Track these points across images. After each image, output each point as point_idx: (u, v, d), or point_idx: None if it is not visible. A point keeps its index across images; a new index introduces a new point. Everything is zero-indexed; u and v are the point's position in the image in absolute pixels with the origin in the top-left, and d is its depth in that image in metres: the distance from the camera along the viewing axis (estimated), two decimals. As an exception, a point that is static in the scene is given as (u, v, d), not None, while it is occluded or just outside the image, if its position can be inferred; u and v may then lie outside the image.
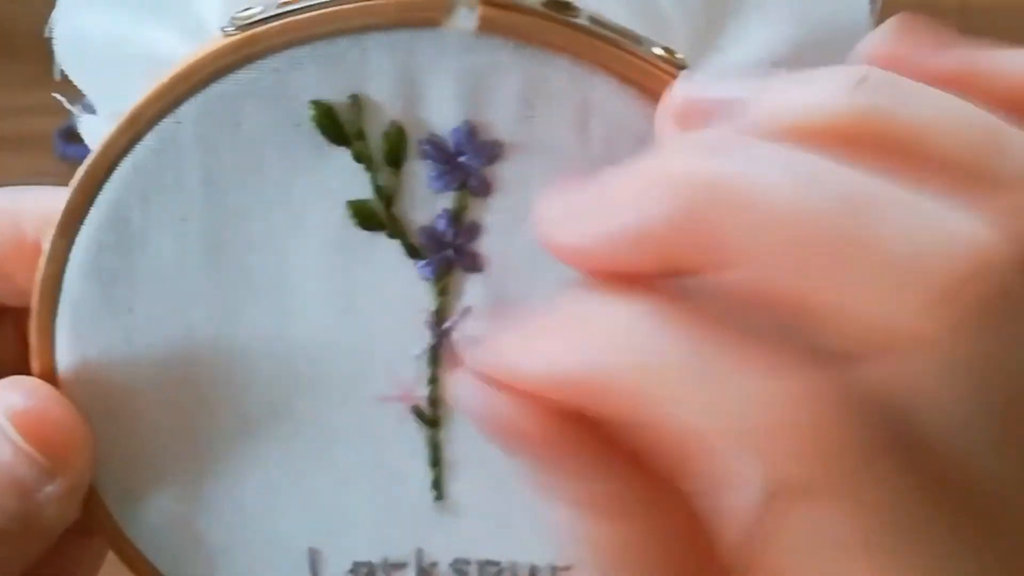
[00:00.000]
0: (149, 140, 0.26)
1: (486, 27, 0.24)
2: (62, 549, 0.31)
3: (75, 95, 0.30)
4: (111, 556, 0.30)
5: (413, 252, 0.26)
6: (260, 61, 0.25)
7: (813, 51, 0.27)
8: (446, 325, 0.27)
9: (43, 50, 0.29)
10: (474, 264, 0.26)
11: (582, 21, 0.25)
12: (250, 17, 0.25)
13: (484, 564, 0.29)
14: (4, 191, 0.29)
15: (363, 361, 0.27)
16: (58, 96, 0.28)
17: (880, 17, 0.28)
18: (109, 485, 0.28)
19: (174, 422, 0.28)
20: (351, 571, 0.29)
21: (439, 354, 0.27)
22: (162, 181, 0.26)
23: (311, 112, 0.25)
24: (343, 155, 0.26)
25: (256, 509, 0.29)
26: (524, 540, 0.29)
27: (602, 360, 0.20)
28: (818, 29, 0.27)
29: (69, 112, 0.29)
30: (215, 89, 0.25)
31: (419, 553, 0.29)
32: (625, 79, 0.25)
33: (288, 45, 0.25)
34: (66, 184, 0.27)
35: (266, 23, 0.25)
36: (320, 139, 0.26)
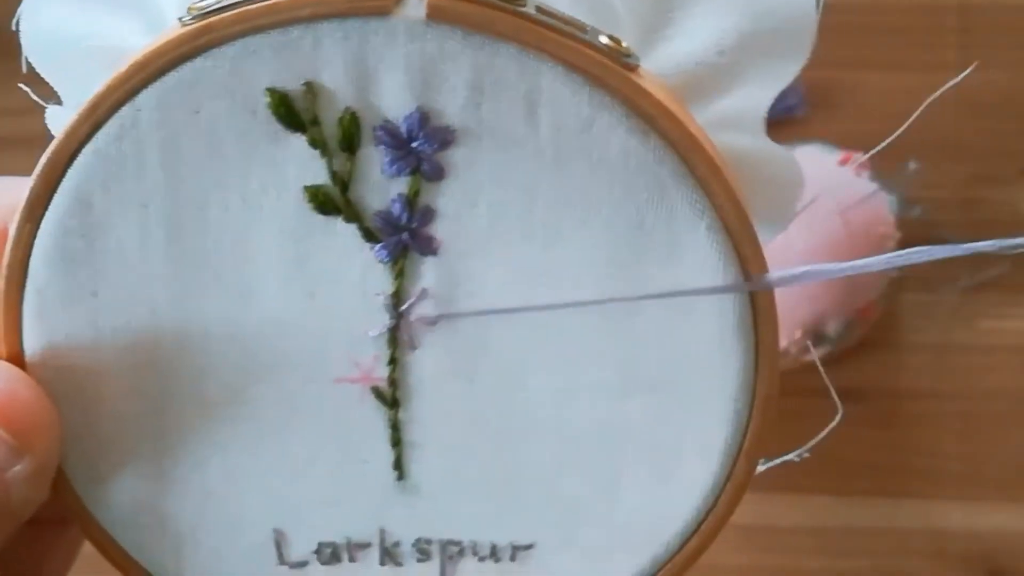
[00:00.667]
0: (109, 127, 0.26)
1: (435, 15, 0.25)
2: (36, 539, 0.32)
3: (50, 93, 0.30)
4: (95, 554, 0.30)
5: (369, 236, 0.27)
6: (216, 49, 0.25)
7: (759, 42, 0.28)
8: (404, 307, 0.27)
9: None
10: (429, 247, 0.27)
11: (529, 10, 0.25)
12: (206, 7, 0.25)
13: (446, 543, 0.30)
14: None
15: (322, 343, 0.28)
16: (24, 87, 0.29)
17: (849, 19, 0.28)
18: (76, 468, 0.29)
19: (138, 405, 0.28)
20: (315, 552, 0.30)
21: (397, 336, 0.28)
22: (122, 167, 0.26)
23: (267, 99, 0.26)
24: (299, 141, 0.26)
25: (220, 491, 0.29)
26: (485, 518, 0.29)
27: None
28: (765, 19, 0.28)
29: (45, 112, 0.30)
30: (173, 77, 0.26)
31: (382, 532, 0.30)
32: (572, 66, 0.25)
33: (243, 34, 0.25)
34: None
35: (221, 12, 0.25)
36: (276, 126, 0.26)
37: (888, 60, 0.63)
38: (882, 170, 0.61)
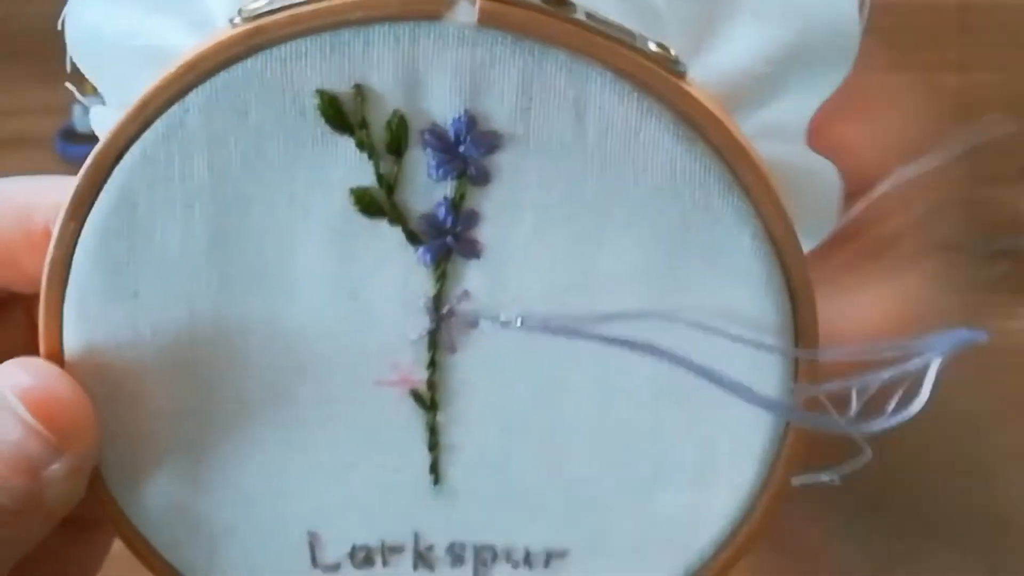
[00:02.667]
0: (157, 127, 0.26)
1: (485, 20, 0.25)
2: (65, 543, 0.32)
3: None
4: (124, 554, 0.30)
5: (413, 238, 0.27)
6: (266, 51, 0.26)
7: (803, 52, 0.28)
8: (444, 310, 0.28)
9: (43, 50, 0.29)
10: (472, 250, 0.27)
11: (579, 16, 0.25)
12: (257, 9, 0.25)
13: (480, 548, 0.30)
14: (15, 180, 0.30)
15: (363, 345, 0.28)
16: (70, 86, 0.29)
17: (868, 22, 0.28)
18: (112, 468, 0.29)
19: (176, 406, 0.28)
20: (349, 554, 0.30)
21: (437, 338, 0.28)
22: (169, 168, 0.26)
23: (316, 101, 0.26)
24: (347, 143, 0.26)
25: (256, 493, 0.29)
26: (519, 524, 0.29)
27: None
28: (808, 32, 0.28)
29: (70, 111, 0.30)
30: (222, 78, 0.26)
31: (416, 536, 0.30)
32: (621, 73, 0.26)
33: (294, 36, 0.25)
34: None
35: (273, 14, 0.25)
36: (324, 128, 0.26)
37: (888, 60, 0.64)
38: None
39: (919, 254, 0.32)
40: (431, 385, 0.28)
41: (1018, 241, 0.63)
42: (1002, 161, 0.65)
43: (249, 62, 0.26)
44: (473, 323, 0.27)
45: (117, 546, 0.31)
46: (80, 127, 0.65)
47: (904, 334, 0.30)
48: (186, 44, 0.28)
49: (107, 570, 0.35)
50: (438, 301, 0.27)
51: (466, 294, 0.27)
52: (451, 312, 0.27)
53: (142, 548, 0.30)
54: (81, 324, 0.28)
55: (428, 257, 0.27)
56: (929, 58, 0.63)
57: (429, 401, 0.28)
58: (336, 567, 0.30)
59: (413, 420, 0.28)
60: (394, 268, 0.27)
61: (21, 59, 0.29)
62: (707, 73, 0.28)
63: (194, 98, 0.26)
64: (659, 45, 0.26)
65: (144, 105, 0.26)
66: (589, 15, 0.25)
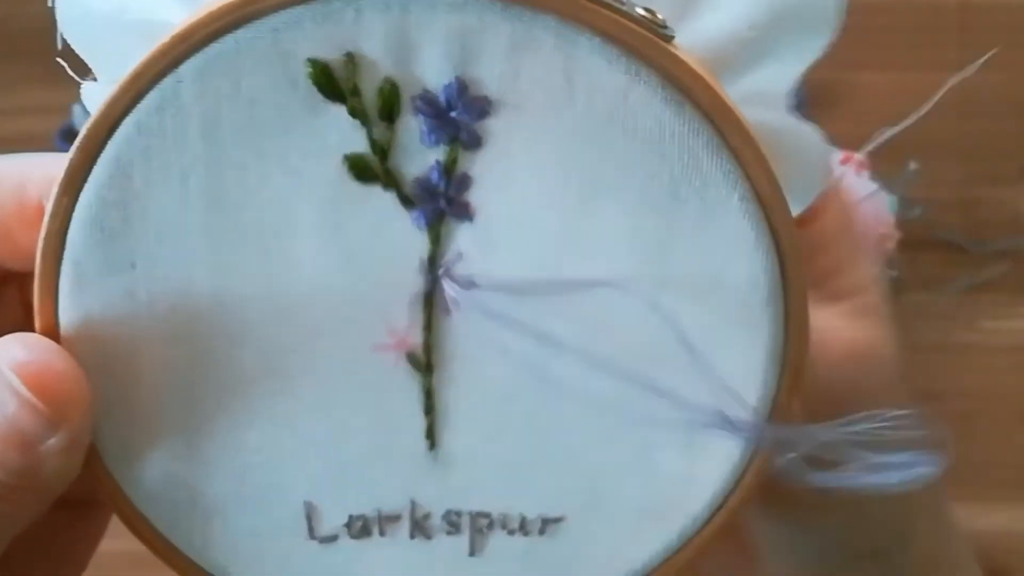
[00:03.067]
0: (151, 99, 0.26)
1: None
2: (60, 525, 0.32)
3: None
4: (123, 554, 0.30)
5: (407, 202, 0.27)
6: (258, 21, 0.26)
7: (788, 16, 0.28)
8: (439, 271, 0.28)
9: (43, 50, 0.30)
10: (465, 213, 0.27)
11: None
12: None
13: (475, 515, 0.30)
14: (8, 157, 0.30)
15: (359, 310, 0.28)
16: (61, 61, 0.29)
17: (849, 20, 0.29)
18: (108, 443, 0.29)
19: (173, 378, 0.28)
20: (346, 524, 0.30)
21: (433, 299, 0.28)
22: (163, 139, 0.27)
23: (308, 70, 0.26)
24: (339, 111, 0.27)
25: (253, 465, 0.29)
26: (515, 490, 0.29)
27: None
28: None
29: (70, 111, 0.30)
30: (215, 48, 0.26)
31: (413, 504, 0.30)
32: (608, 37, 0.26)
33: (285, 5, 0.26)
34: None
35: None
36: (317, 96, 0.26)
37: (888, 60, 0.64)
38: (882, 170, 0.62)
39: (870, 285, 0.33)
40: (427, 348, 0.28)
41: (1018, 241, 0.63)
42: (1002, 161, 0.66)
43: (241, 32, 0.26)
44: (468, 284, 0.28)
45: (117, 545, 0.31)
46: (80, 127, 0.65)
47: (864, 372, 0.31)
48: (177, 18, 0.28)
49: (107, 570, 0.35)
50: (432, 262, 0.28)
51: (460, 255, 0.28)
52: (446, 271, 0.28)
53: (139, 524, 0.30)
54: (77, 297, 0.28)
55: (422, 220, 0.27)
56: (929, 58, 0.63)
57: (425, 364, 0.28)
58: (333, 538, 0.30)
59: (409, 384, 0.29)
60: (389, 232, 0.27)
61: (21, 59, 0.29)
62: (693, 38, 0.28)
63: (187, 69, 0.26)
64: (647, 10, 0.26)
65: (137, 77, 0.26)
66: None
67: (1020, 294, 0.63)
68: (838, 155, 0.61)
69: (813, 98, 0.63)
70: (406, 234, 0.27)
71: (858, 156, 0.60)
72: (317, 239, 0.27)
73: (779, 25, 0.28)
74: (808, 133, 0.30)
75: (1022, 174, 0.66)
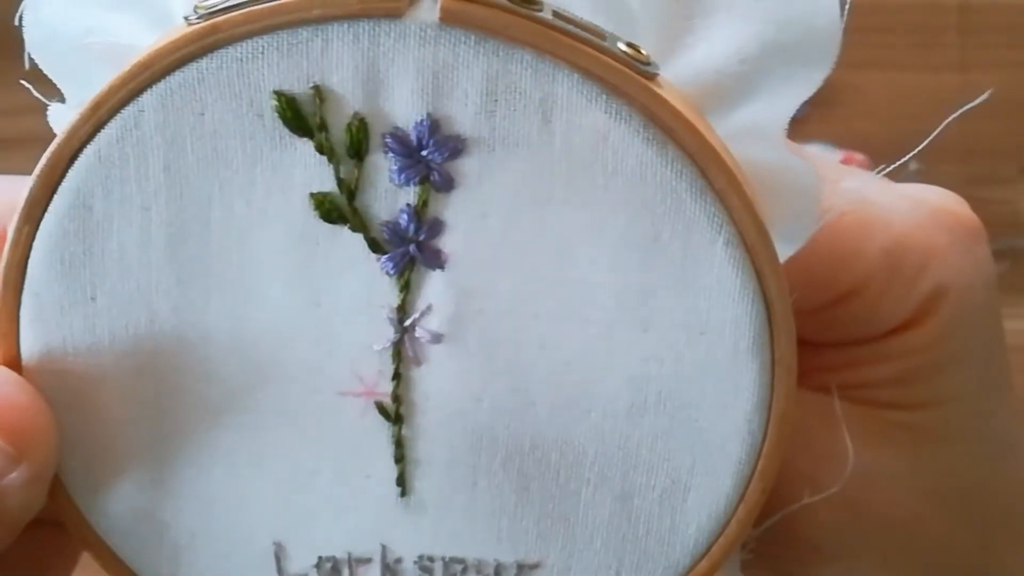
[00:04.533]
0: (111, 128, 0.26)
1: (448, 19, 0.24)
2: (39, 541, 0.31)
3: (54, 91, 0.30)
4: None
5: (375, 247, 0.26)
6: (222, 50, 0.25)
7: (781, 50, 0.27)
8: (408, 322, 0.27)
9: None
10: (436, 260, 0.26)
11: (545, 15, 0.24)
12: (213, 6, 0.25)
13: (449, 561, 0.29)
14: None
15: (326, 355, 0.27)
16: (25, 84, 0.28)
17: (849, 20, 0.28)
18: (73, 475, 0.28)
19: (137, 412, 0.28)
20: (315, 566, 0.29)
21: (402, 351, 0.27)
22: (124, 169, 0.26)
23: (273, 102, 0.25)
24: (306, 146, 0.26)
25: (220, 501, 0.28)
26: (489, 537, 0.29)
27: None
28: (787, 28, 0.27)
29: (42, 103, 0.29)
30: (177, 77, 0.25)
31: (384, 549, 0.29)
32: (588, 74, 0.25)
33: (250, 34, 0.25)
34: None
35: (228, 12, 0.25)
36: (283, 130, 0.25)
37: (888, 60, 0.63)
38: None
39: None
40: (396, 398, 0.27)
41: (1018, 241, 0.62)
42: (1002, 161, 0.65)
43: (204, 61, 0.25)
44: (437, 338, 0.27)
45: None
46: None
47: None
48: (146, 41, 0.27)
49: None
50: (402, 313, 0.27)
51: (429, 308, 0.27)
52: (415, 325, 0.27)
53: (105, 556, 0.29)
54: (38, 329, 0.27)
55: (391, 267, 0.26)
56: (929, 58, 0.62)
57: (394, 414, 0.27)
58: None
59: (379, 432, 0.28)
60: (357, 276, 0.26)
61: (16, 59, 0.28)
62: (682, 72, 0.27)
63: (149, 98, 0.25)
64: (630, 45, 0.25)
65: (97, 105, 0.25)
66: (556, 14, 0.25)
67: (1020, 294, 0.62)
68: (837, 156, 0.59)
69: (813, 98, 0.62)
70: (375, 280, 0.26)
71: (859, 156, 0.59)
72: (282, 278, 0.26)
73: (771, 58, 0.27)
74: (803, 169, 0.28)
75: (1022, 174, 0.65)
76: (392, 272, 0.26)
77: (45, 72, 0.28)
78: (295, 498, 0.28)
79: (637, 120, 0.25)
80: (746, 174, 0.27)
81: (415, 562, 0.29)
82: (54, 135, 0.26)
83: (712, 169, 0.25)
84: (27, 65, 0.28)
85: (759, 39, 0.27)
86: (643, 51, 0.25)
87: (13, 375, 0.27)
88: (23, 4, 0.28)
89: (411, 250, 0.26)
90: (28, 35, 0.28)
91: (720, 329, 0.26)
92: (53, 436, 0.27)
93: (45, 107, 0.29)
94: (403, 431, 0.28)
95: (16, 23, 0.28)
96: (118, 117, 0.25)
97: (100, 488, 0.28)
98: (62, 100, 0.29)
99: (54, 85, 0.29)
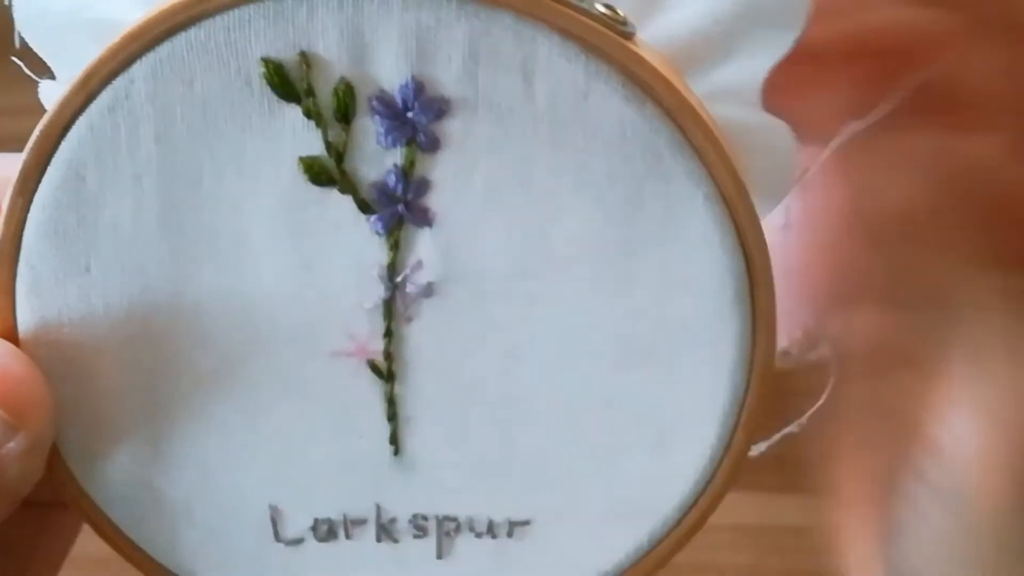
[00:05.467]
0: (103, 99, 0.26)
1: None
2: (35, 522, 0.32)
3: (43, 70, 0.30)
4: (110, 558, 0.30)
5: (364, 207, 0.27)
6: (210, 19, 0.25)
7: (754, 10, 0.28)
8: (398, 279, 0.27)
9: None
10: (424, 218, 0.27)
11: None
12: None
13: (442, 519, 0.29)
14: None
15: (318, 316, 0.28)
16: (17, 61, 0.29)
17: None
18: (71, 445, 0.29)
19: (133, 381, 0.28)
20: (311, 528, 0.30)
21: (393, 308, 0.28)
22: (116, 140, 0.26)
23: (261, 70, 0.26)
24: (294, 112, 0.26)
25: (216, 467, 0.29)
26: (482, 494, 0.29)
27: None
28: None
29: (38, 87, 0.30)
30: (167, 48, 0.26)
31: (378, 508, 0.29)
32: (568, 35, 0.25)
33: (237, 3, 0.25)
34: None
35: None
36: (271, 96, 0.26)
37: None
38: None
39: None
40: (388, 356, 0.28)
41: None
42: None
43: (192, 31, 0.25)
44: (427, 292, 0.27)
45: (104, 550, 0.31)
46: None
47: None
48: (135, 17, 0.27)
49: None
50: (392, 270, 0.27)
51: (419, 264, 0.27)
52: (405, 281, 0.27)
53: (104, 526, 0.29)
54: (33, 300, 0.27)
55: (380, 226, 0.27)
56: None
57: (386, 372, 0.28)
58: (299, 541, 0.30)
59: (371, 391, 0.28)
60: (347, 237, 0.27)
61: (21, 57, 0.29)
62: (658, 34, 0.27)
63: (139, 69, 0.26)
64: (607, 7, 0.26)
65: (88, 77, 0.26)
66: None
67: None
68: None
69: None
70: (364, 240, 0.27)
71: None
72: (273, 242, 0.27)
73: (745, 19, 0.28)
74: (778, 128, 0.29)
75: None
76: (382, 231, 0.27)
77: (34, 49, 0.29)
78: (290, 462, 0.29)
79: (616, 79, 0.26)
80: (724, 133, 0.27)
81: (409, 521, 0.29)
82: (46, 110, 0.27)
83: (690, 125, 0.26)
84: (17, 43, 0.29)
85: (733, 1, 0.28)
86: (620, 12, 0.26)
87: (10, 346, 0.28)
88: None
89: (400, 209, 0.27)
90: (18, 12, 0.29)
91: (703, 283, 0.27)
92: (50, 406, 0.28)
93: (43, 107, 0.29)
94: (395, 389, 0.28)
95: (6, 2, 0.29)
96: (109, 88, 0.26)
97: (97, 458, 0.29)
98: (52, 78, 0.29)
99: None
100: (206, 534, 0.30)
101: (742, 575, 0.58)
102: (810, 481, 0.32)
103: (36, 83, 0.29)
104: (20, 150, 0.27)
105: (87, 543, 0.32)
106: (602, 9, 0.26)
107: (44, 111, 0.28)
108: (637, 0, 0.27)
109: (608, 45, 0.25)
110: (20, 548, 0.32)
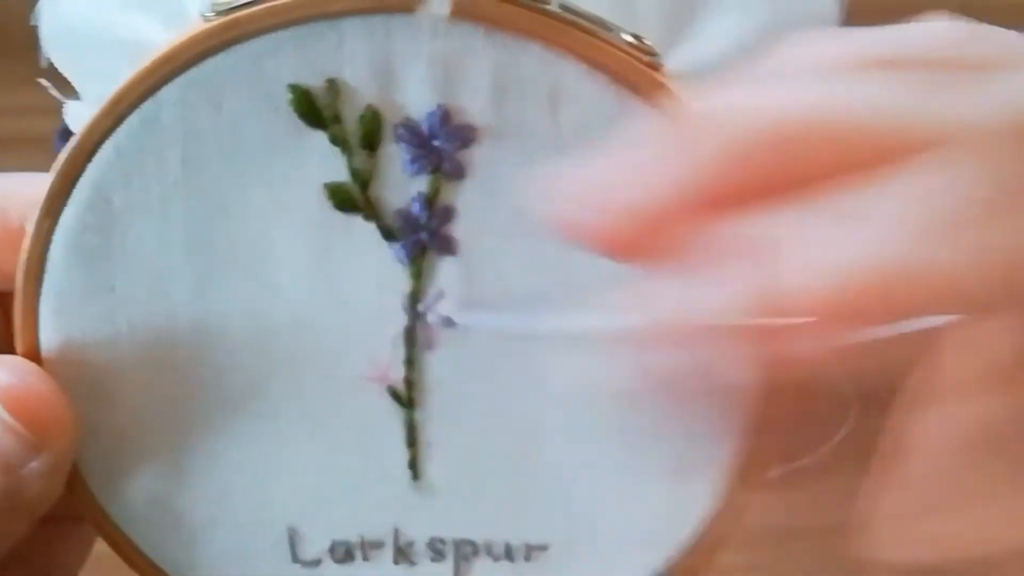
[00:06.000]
0: (131, 122, 0.26)
1: (458, 13, 0.25)
2: (49, 536, 0.32)
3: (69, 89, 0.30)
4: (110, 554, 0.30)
5: (388, 234, 0.27)
6: (240, 45, 0.26)
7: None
8: (420, 307, 0.27)
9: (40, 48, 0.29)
10: (447, 247, 0.27)
11: (552, 7, 0.25)
12: (230, 3, 0.25)
13: (460, 543, 0.30)
14: None
15: (340, 341, 0.28)
16: (43, 82, 0.29)
17: (847, 9, 0.28)
18: (91, 464, 0.29)
19: (155, 401, 0.28)
20: (329, 549, 0.30)
21: (414, 336, 0.28)
22: (143, 163, 0.26)
23: (289, 96, 0.26)
24: (320, 138, 0.26)
25: (236, 488, 0.29)
26: (499, 518, 0.29)
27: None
28: (785, 18, 0.28)
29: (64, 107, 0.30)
30: (196, 73, 0.26)
31: (396, 531, 0.30)
32: (595, 64, 0.26)
33: (267, 30, 0.25)
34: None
35: (247, 8, 0.25)
36: (298, 122, 0.26)
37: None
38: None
39: None
40: (408, 383, 0.28)
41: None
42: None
43: (222, 56, 0.26)
44: (449, 324, 0.27)
45: (101, 546, 0.31)
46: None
47: None
48: (161, 38, 0.27)
49: (94, 571, 0.35)
50: (414, 299, 0.27)
51: (441, 293, 0.27)
52: (427, 311, 0.27)
53: (123, 545, 0.30)
54: (58, 320, 0.28)
55: (403, 254, 0.27)
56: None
57: (407, 399, 0.28)
58: (316, 563, 0.30)
59: (391, 416, 0.28)
60: (370, 264, 0.27)
61: (22, 58, 0.29)
62: (685, 61, 0.28)
63: (168, 93, 0.26)
64: (634, 36, 0.26)
65: (118, 100, 0.26)
66: (563, 6, 0.25)
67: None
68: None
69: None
70: (387, 267, 0.27)
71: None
72: (298, 267, 0.27)
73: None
74: None
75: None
76: (405, 259, 0.27)
77: (60, 69, 0.29)
78: (309, 484, 0.29)
79: (643, 107, 0.26)
80: None
81: (427, 544, 0.30)
82: (51, 136, 0.27)
83: None
84: (43, 63, 0.29)
85: (759, 29, 0.28)
86: (647, 42, 0.26)
87: (33, 366, 0.28)
88: (40, 1, 0.29)
89: (423, 237, 0.27)
90: (44, 32, 0.29)
91: None
92: (73, 426, 0.28)
93: (43, 109, 0.29)
94: (415, 415, 0.28)
95: (32, 22, 0.29)
96: (138, 111, 0.26)
97: (118, 478, 0.29)
98: (76, 98, 0.29)
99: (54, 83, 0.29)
100: (224, 554, 0.30)
101: (742, 574, 0.58)
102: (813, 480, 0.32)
103: (36, 84, 0.29)
104: (20, 150, 0.27)
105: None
106: (629, 39, 0.26)
107: (44, 112, 0.28)
108: (664, 29, 0.27)
109: (636, 75, 0.26)
110: (36, 562, 0.33)
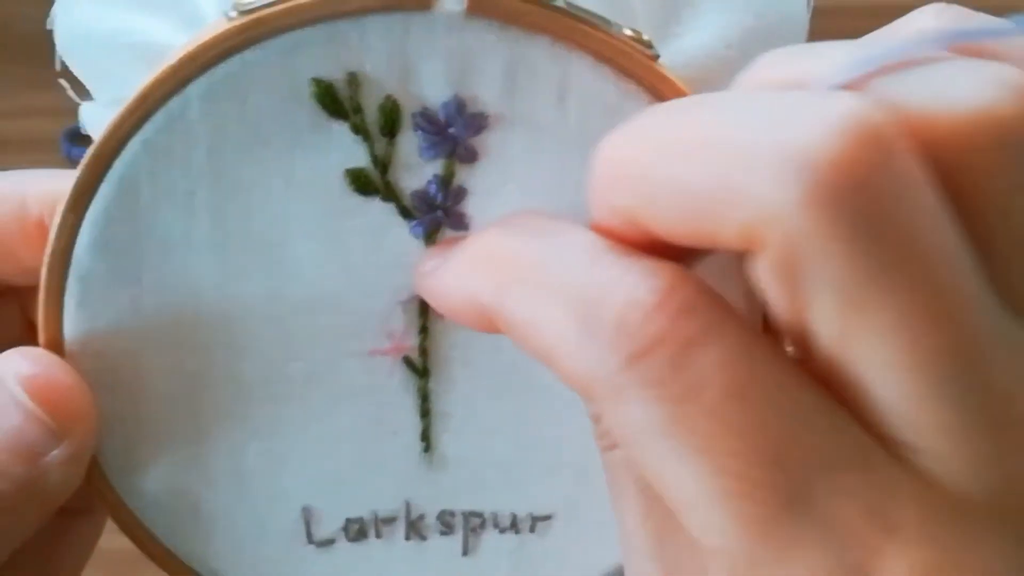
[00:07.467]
0: (158, 118, 0.27)
1: (473, 10, 0.27)
2: (54, 532, 0.32)
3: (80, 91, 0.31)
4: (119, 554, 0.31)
5: (405, 213, 0.29)
6: (265, 42, 0.27)
7: (761, 35, 0.30)
8: None
9: (49, 52, 0.30)
10: (460, 223, 0.29)
11: (560, 4, 0.27)
12: (254, 2, 0.27)
13: (468, 515, 0.31)
14: (9, 174, 0.31)
15: (357, 316, 0.29)
16: (63, 82, 0.30)
17: (815, 8, 0.30)
18: (110, 455, 0.30)
19: (175, 390, 0.29)
20: (343, 528, 0.31)
21: (428, 304, 0.29)
22: (171, 157, 0.27)
23: (312, 89, 0.27)
24: (341, 128, 0.28)
25: (253, 473, 0.30)
26: (506, 489, 0.31)
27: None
28: (764, 15, 0.30)
29: (75, 110, 0.31)
30: (222, 69, 0.27)
31: (408, 506, 0.31)
32: (600, 57, 0.27)
33: (292, 27, 0.27)
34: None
35: (270, 7, 0.26)
36: (320, 113, 0.27)
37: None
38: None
39: None
40: (423, 351, 0.29)
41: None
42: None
43: (248, 53, 0.27)
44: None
45: (117, 544, 0.31)
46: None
47: None
48: (176, 41, 0.29)
49: (97, 567, 0.36)
50: None
51: None
52: None
53: (140, 534, 0.30)
54: (82, 312, 0.28)
55: (420, 230, 0.29)
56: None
57: (421, 367, 0.30)
58: (331, 542, 0.31)
59: (406, 388, 0.30)
60: (387, 242, 0.29)
61: (29, 61, 0.29)
62: (674, 59, 0.29)
63: (194, 89, 0.27)
64: (633, 31, 0.28)
65: (144, 97, 0.27)
66: (568, 3, 0.27)
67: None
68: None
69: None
70: (404, 243, 0.29)
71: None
72: (316, 249, 0.28)
73: (753, 43, 0.30)
74: None
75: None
76: (420, 235, 0.29)
77: (74, 72, 0.30)
78: (325, 463, 0.30)
79: (644, 98, 0.28)
80: None
81: (437, 518, 0.31)
82: (58, 138, 0.28)
83: None
84: (58, 66, 0.30)
85: (740, 26, 0.30)
86: (645, 36, 0.28)
87: (56, 358, 0.28)
88: (55, 5, 0.30)
89: (439, 215, 0.28)
90: (59, 35, 0.30)
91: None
92: (93, 416, 0.28)
93: (50, 110, 0.30)
94: (429, 384, 0.30)
95: (48, 26, 0.30)
96: (164, 108, 0.27)
97: (136, 467, 0.30)
98: (89, 99, 0.30)
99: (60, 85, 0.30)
100: (240, 539, 0.31)
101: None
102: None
103: (44, 86, 0.30)
104: (28, 152, 0.28)
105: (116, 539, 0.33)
106: (629, 33, 0.27)
107: (50, 115, 0.29)
108: (654, 27, 0.29)
109: (637, 66, 0.27)
110: (43, 554, 0.33)
